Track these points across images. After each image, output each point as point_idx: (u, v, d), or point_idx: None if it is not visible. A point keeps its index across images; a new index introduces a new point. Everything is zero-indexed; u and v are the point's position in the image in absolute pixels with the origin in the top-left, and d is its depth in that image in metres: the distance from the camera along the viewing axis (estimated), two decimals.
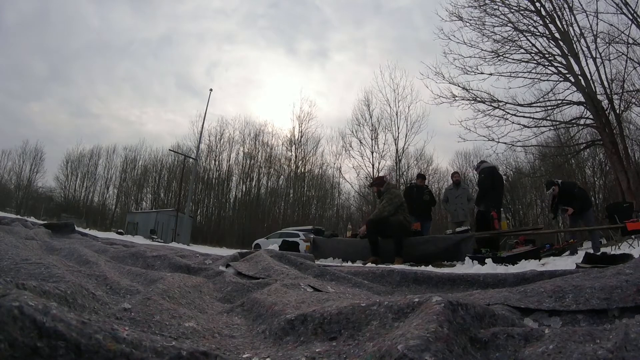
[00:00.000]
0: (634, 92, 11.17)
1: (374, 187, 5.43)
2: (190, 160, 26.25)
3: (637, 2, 9.96)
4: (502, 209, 5.44)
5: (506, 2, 11.69)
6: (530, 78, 11.74)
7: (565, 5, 10.99)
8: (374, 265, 3.68)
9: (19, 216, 8.18)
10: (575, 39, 10.99)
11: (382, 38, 49.17)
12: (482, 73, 11.87)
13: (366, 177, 27.46)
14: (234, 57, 55.95)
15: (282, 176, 34.16)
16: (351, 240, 5.58)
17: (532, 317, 0.80)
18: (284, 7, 54.86)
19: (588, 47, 10.84)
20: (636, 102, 11.44)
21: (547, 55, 11.55)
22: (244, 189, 34.88)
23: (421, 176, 7.54)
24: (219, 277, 1.56)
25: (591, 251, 3.99)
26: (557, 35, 11.19)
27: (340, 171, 31.24)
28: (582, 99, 11.02)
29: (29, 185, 36.84)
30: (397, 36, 48.13)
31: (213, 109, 57.35)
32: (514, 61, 11.82)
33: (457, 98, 12.11)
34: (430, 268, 3.27)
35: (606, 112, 10.68)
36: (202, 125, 24.27)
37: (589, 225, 5.49)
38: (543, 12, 11.31)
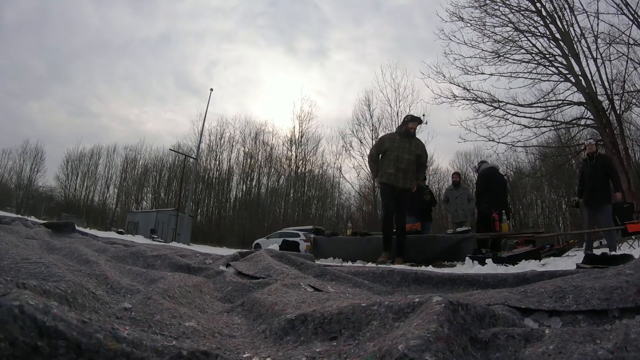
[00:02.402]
0: (634, 93, 11.17)
1: (415, 124, 4.64)
2: (191, 159, 26.28)
3: (638, 3, 9.96)
4: (503, 211, 5.36)
5: (507, 2, 11.69)
6: (531, 78, 11.75)
7: (566, 6, 11.00)
8: (374, 265, 3.68)
9: (19, 215, 8.19)
10: (575, 39, 10.99)
11: (381, 37, 49.24)
12: (482, 73, 11.88)
13: (367, 177, 27.45)
14: (233, 56, 56.09)
15: (282, 176, 34.19)
16: (352, 240, 5.58)
17: (532, 317, 0.80)
18: (283, 5, 54.99)
19: (589, 48, 10.84)
20: (637, 103, 11.44)
21: (547, 56, 11.56)
22: (244, 189, 34.92)
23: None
24: (219, 277, 1.56)
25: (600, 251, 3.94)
26: (557, 35, 11.19)
27: (340, 171, 31.30)
28: (583, 100, 11.02)
29: (30, 185, 36.90)
30: (397, 35, 48.19)
31: (213, 108, 57.56)
32: (514, 61, 11.84)
33: (457, 98, 12.13)
34: (430, 268, 3.27)
35: (607, 112, 10.67)
36: (203, 125, 24.31)
37: (607, 220, 5.24)
38: (544, 13, 11.31)
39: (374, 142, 27.73)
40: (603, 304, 0.77)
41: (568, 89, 11.44)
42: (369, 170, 4.79)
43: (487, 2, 11.78)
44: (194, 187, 26.20)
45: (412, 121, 4.75)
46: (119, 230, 18.59)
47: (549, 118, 12.04)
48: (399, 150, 4.51)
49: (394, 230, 4.54)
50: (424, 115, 12.79)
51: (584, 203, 5.42)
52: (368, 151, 29.12)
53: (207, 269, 1.74)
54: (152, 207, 33.77)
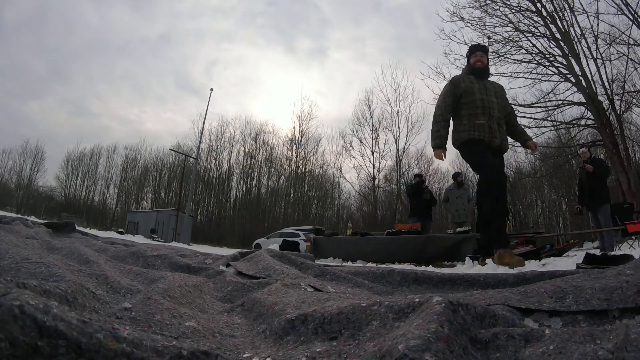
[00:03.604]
0: (634, 93, 11.18)
1: (480, 56, 3.16)
2: (191, 159, 26.28)
3: (638, 3, 9.96)
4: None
5: (507, 2, 11.69)
6: (531, 78, 11.75)
7: (566, 6, 11.00)
8: (374, 265, 3.68)
9: (19, 215, 8.20)
10: (576, 39, 10.99)
11: (381, 37, 49.29)
12: None
13: (367, 177, 27.43)
14: (233, 55, 56.25)
15: (282, 176, 34.19)
16: (352, 240, 5.58)
17: (532, 317, 0.80)
18: (282, 5, 55.13)
19: (589, 48, 10.84)
20: (637, 103, 11.45)
21: (547, 56, 11.56)
22: (244, 189, 34.93)
23: (419, 175, 7.58)
24: (220, 277, 1.56)
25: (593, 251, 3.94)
26: (558, 35, 11.19)
27: (340, 171, 31.30)
28: (583, 100, 11.02)
29: (30, 185, 36.94)
30: (397, 35, 48.24)
31: (213, 108, 57.73)
32: (514, 62, 11.83)
33: None
34: (430, 268, 3.27)
35: (607, 112, 10.67)
36: (203, 125, 24.36)
37: (606, 220, 5.36)
38: (544, 13, 11.31)
39: (373, 141, 27.73)
40: (603, 304, 0.77)
41: (568, 89, 11.45)
42: (432, 132, 3.01)
43: (488, 2, 11.78)
44: (194, 187, 26.20)
45: (475, 52, 3.19)
46: (119, 230, 18.60)
47: (549, 118, 12.04)
48: (482, 92, 3.00)
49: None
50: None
51: (587, 208, 5.57)
52: (368, 151, 28.45)
53: (207, 269, 1.74)
54: (152, 207, 33.79)
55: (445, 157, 2.99)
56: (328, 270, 1.71)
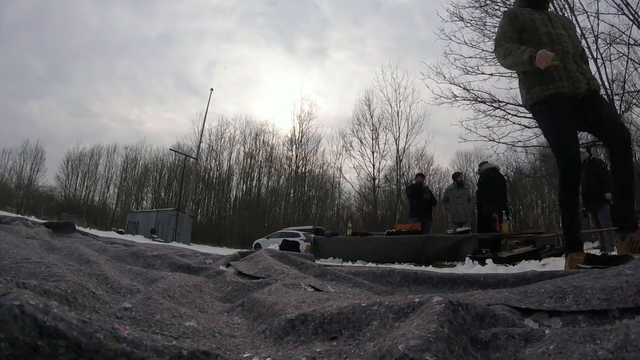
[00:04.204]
0: (634, 93, 11.18)
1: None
2: (191, 159, 26.29)
3: (638, 3, 9.96)
4: (504, 211, 5.39)
5: (507, 2, 11.68)
6: None
7: (566, 6, 10.99)
8: (374, 265, 3.67)
9: (19, 215, 8.20)
10: None
11: (381, 37, 49.19)
12: (483, 73, 11.82)
13: (367, 177, 27.44)
14: (233, 55, 56.10)
15: (282, 176, 34.18)
16: (352, 240, 5.59)
17: (532, 317, 0.80)
18: (282, 5, 55.02)
19: (589, 48, 10.82)
20: (637, 103, 11.44)
21: None
22: (244, 189, 34.91)
23: (421, 175, 7.57)
24: (220, 277, 1.56)
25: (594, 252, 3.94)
26: None
27: (340, 171, 31.26)
28: None
29: (30, 185, 36.95)
30: (397, 35, 48.13)
31: (212, 108, 57.62)
32: None
33: (457, 98, 12.08)
34: (430, 268, 3.27)
35: None
36: (203, 125, 24.36)
37: (605, 222, 5.40)
38: None
39: (373, 142, 27.74)
40: (603, 304, 0.77)
41: None
42: (509, 63, 2.30)
43: (488, 2, 11.78)
44: (194, 187, 26.21)
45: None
46: (119, 230, 18.61)
47: None
48: (547, 25, 2.33)
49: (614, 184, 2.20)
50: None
51: (587, 208, 5.62)
52: (368, 151, 28.10)
53: (207, 269, 1.74)
54: (152, 207, 33.78)
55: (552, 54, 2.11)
56: (328, 270, 1.71)
